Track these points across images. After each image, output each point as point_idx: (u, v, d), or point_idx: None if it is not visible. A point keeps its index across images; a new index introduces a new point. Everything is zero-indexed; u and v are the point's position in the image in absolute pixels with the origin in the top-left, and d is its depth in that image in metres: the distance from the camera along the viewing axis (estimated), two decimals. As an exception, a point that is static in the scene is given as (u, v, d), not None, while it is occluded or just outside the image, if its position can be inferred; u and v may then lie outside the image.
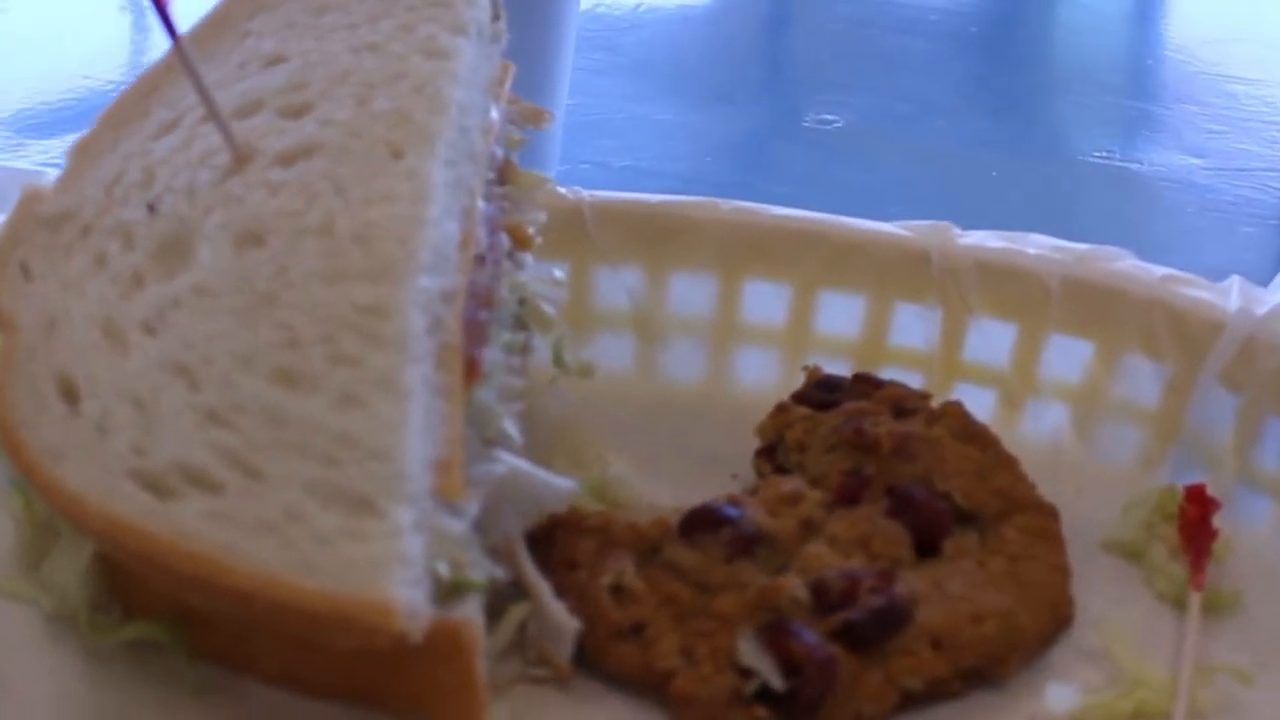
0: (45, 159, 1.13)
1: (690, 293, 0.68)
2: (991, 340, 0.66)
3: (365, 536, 0.42)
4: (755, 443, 0.62)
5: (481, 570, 0.47)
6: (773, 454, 0.60)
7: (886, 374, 0.64)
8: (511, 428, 0.52)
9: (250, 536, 0.42)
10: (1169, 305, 0.63)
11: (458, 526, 0.46)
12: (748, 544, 0.52)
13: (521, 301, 0.58)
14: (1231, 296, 0.62)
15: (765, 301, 0.68)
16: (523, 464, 0.51)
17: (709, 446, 0.63)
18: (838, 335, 0.67)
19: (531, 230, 0.60)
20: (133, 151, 0.54)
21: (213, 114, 0.52)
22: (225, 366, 0.46)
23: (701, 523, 0.53)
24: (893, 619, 0.50)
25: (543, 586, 0.51)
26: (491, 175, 0.57)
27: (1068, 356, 0.65)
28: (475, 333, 0.51)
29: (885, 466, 0.57)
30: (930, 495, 0.56)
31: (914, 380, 0.64)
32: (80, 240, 0.51)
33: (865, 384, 0.62)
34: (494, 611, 0.49)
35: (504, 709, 0.50)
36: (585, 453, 0.60)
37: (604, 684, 0.51)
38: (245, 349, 0.46)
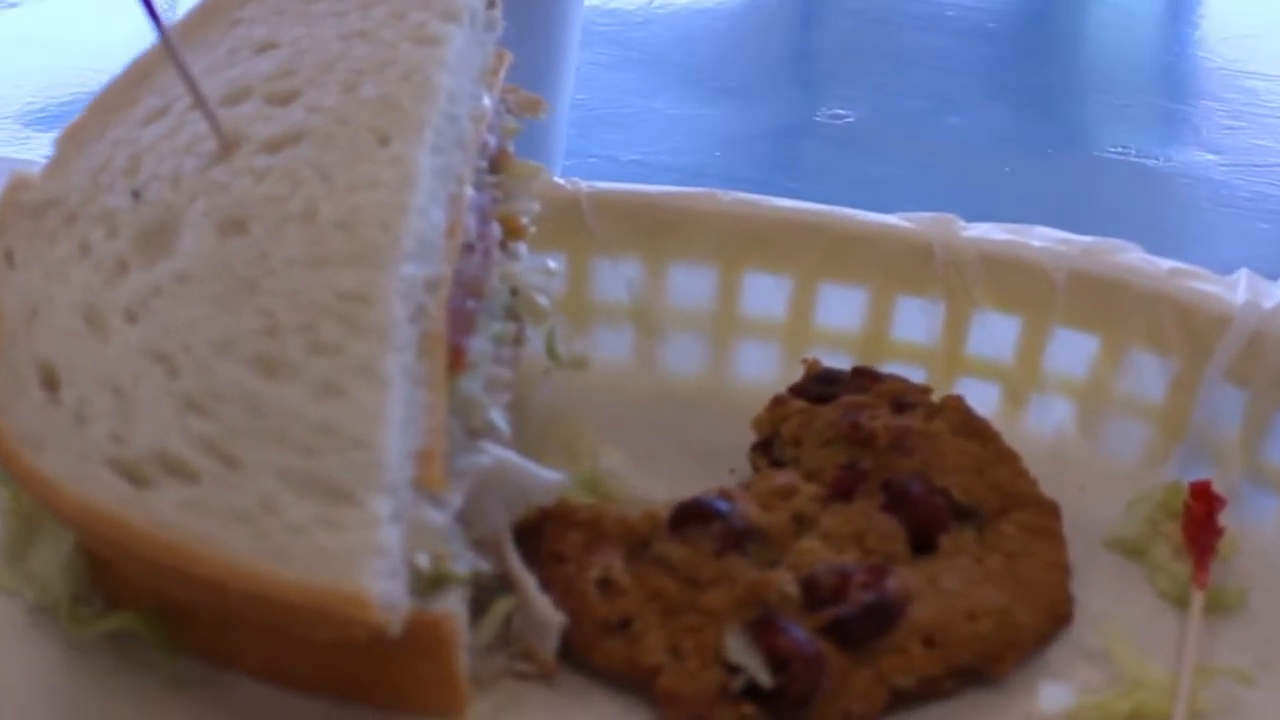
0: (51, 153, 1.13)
1: (689, 285, 0.67)
2: (995, 334, 0.65)
3: (341, 526, 0.41)
4: (753, 436, 0.61)
5: (464, 563, 0.47)
6: (768, 448, 0.59)
7: (888, 368, 0.63)
8: (499, 419, 0.51)
9: (225, 526, 0.42)
10: (1175, 299, 0.61)
11: (439, 518, 0.45)
12: (738, 538, 0.52)
13: (513, 292, 0.57)
14: (1239, 290, 0.61)
15: (765, 294, 0.66)
16: (510, 456, 0.50)
17: (707, 440, 0.62)
18: (839, 328, 0.66)
19: (525, 220, 0.59)
20: (120, 138, 0.54)
21: (198, 101, 0.51)
22: (204, 354, 0.45)
23: (691, 517, 0.52)
24: (883, 615, 0.49)
25: (528, 580, 0.50)
26: (483, 164, 0.57)
27: (1072, 351, 0.64)
28: (462, 322, 0.50)
29: (882, 461, 0.56)
30: (927, 490, 0.55)
31: (916, 375, 0.63)
32: (65, 227, 0.51)
33: (864, 377, 0.61)
34: (479, 605, 0.49)
35: (487, 703, 0.49)
36: (577, 445, 0.59)
37: (589, 679, 0.50)
38: (225, 336, 0.46)
